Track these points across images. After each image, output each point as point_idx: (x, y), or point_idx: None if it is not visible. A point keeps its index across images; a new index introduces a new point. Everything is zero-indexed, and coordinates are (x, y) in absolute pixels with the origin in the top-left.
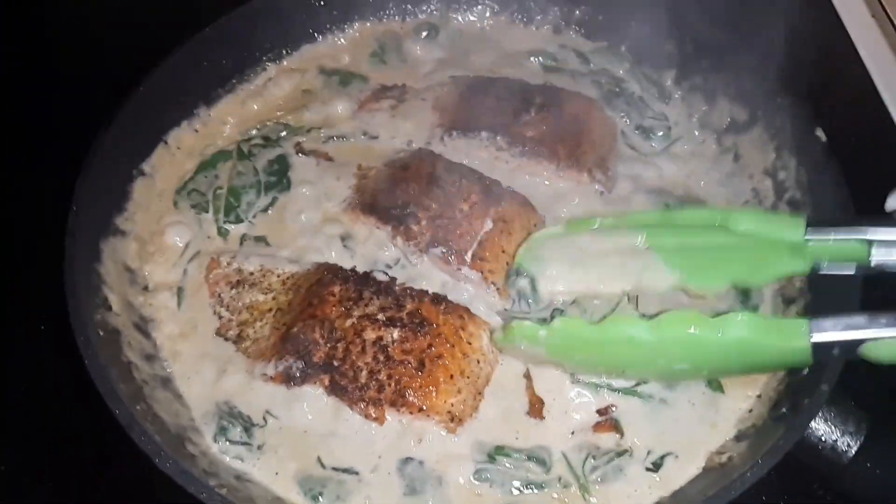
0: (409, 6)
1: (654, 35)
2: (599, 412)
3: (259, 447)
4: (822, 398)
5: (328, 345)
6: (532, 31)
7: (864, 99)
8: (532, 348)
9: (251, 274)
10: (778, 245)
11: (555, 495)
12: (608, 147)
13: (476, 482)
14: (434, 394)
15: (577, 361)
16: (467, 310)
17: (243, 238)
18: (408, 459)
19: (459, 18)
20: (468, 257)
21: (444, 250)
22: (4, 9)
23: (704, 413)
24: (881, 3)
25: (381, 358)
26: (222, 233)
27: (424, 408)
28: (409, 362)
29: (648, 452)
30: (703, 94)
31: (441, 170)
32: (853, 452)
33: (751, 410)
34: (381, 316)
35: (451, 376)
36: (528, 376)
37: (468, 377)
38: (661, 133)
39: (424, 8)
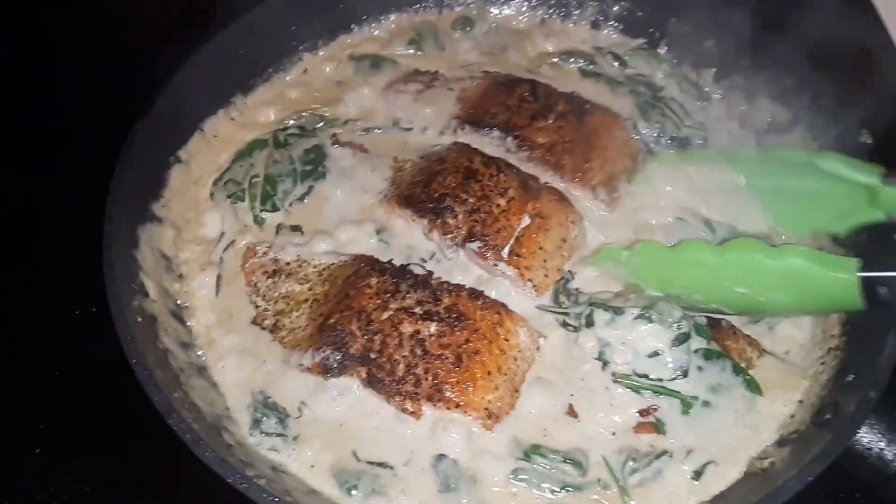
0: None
1: (694, 32)
2: (641, 413)
3: (294, 438)
4: (870, 406)
5: (365, 337)
6: (570, 27)
7: None
8: (615, 268)
9: (287, 264)
10: (858, 190)
11: (594, 497)
12: (622, 167)
13: (512, 481)
14: (471, 390)
15: (652, 281)
16: (504, 306)
17: (279, 227)
18: (442, 456)
19: (496, 12)
20: (505, 253)
21: (481, 245)
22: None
23: (746, 416)
24: None
25: (419, 352)
26: (258, 221)
27: (461, 403)
28: (447, 357)
29: (688, 454)
30: (743, 94)
31: (478, 163)
32: None
33: (793, 416)
34: (418, 309)
35: (489, 372)
36: None
37: (505, 374)
38: (698, 143)
39: (461, 1)
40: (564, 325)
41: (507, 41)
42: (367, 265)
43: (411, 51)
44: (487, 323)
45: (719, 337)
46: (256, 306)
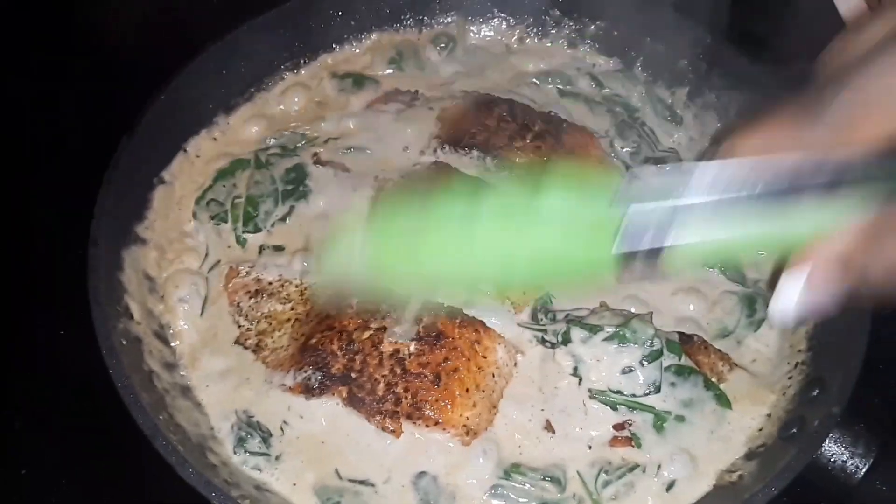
0: (426, 17)
1: (667, 52)
2: (616, 427)
3: (277, 458)
4: (834, 421)
5: (346, 356)
6: (547, 46)
7: None
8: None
9: (269, 284)
10: None
11: None
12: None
13: (491, 499)
14: (450, 407)
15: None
16: (482, 323)
17: (262, 248)
18: (422, 473)
19: (475, 30)
20: None
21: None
22: (26, 19)
23: (717, 430)
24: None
25: (398, 370)
26: (240, 241)
27: (440, 421)
28: (426, 375)
29: (659, 467)
30: (716, 112)
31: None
32: (863, 473)
33: (761, 429)
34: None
35: (467, 390)
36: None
37: (483, 391)
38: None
39: (441, 20)
40: (542, 341)
41: (486, 61)
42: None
43: (391, 70)
44: (466, 341)
45: (691, 352)
46: (239, 326)
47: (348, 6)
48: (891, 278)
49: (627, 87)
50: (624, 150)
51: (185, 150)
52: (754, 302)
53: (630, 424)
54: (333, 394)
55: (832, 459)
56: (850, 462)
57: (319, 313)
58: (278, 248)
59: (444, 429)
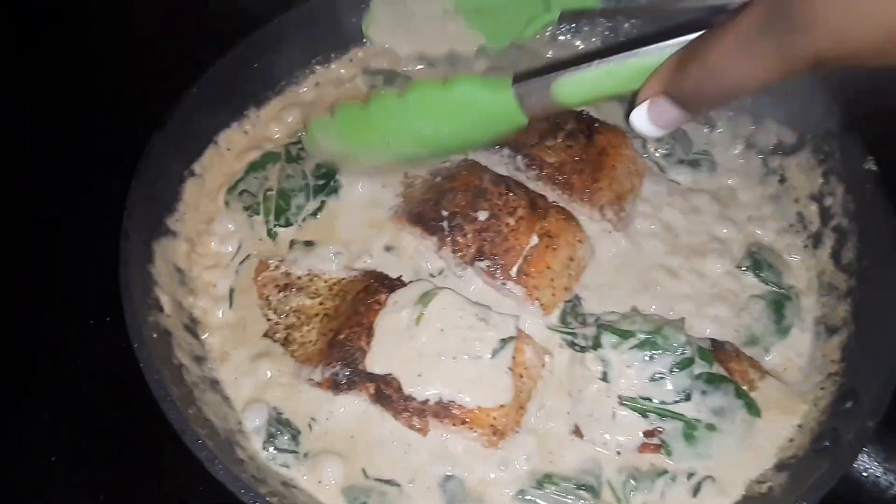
0: None
1: None
2: (646, 434)
3: (305, 455)
4: (868, 435)
5: None
6: (580, 44)
7: None
8: (328, 142)
9: (299, 278)
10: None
11: None
12: (629, 187)
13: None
14: (477, 407)
15: (359, 142)
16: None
17: (292, 242)
18: (449, 476)
19: None
20: (513, 272)
21: (490, 264)
22: (57, 10)
23: (747, 439)
24: None
25: None
26: (272, 235)
27: (468, 420)
28: None
29: (690, 475)
30: (750, 115)
31: (487, 182)
32: None
33: (792, 440)
34: None
35: None
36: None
37: None
38: (703, 167)
39: None
40: (572, 345)
41: (519, 56)
42: (376, 281)
43: (422, 65)
44: None
45: (723, 359)
46: (268, 319)
47: None
48: (700, 96)
49: None
50: (657, 151)
51: (216, 143)
52: (782, 307)
53: (660, 432)
54: (361, 390)
55: (865, 474)
56: (884, 477)
57: (349, 309)
58: (308, 244)
59: (470, 428)
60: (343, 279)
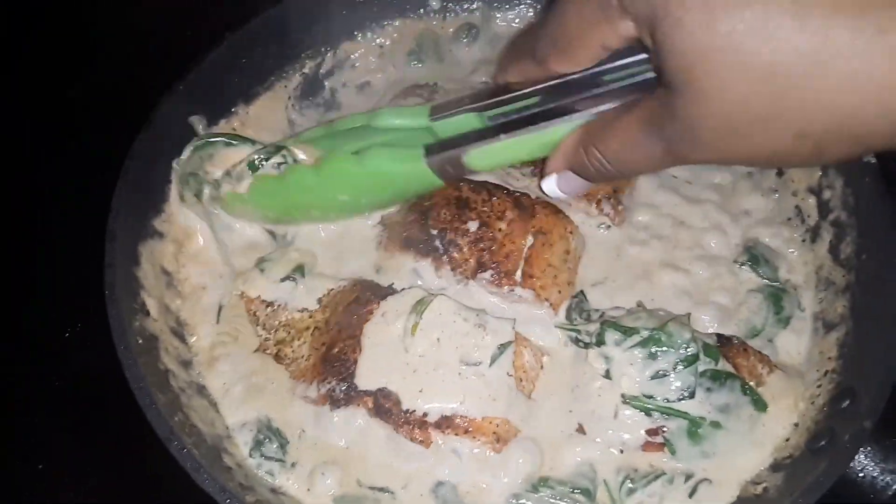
0: (451, 3)
1: None
2: (649, 432)
3: (292, 464)
4: (865, 436)
5: None
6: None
7: None
8: (243, 206)
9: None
10: (416, 132)
11: None
12: (625, 179)
13: None
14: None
15: (278, 208)
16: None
17: None
18: (441, 483)
19: (501, 17)
20: (518, 276)
21: (493, 274)
22: (44, 11)
23: (751, 435)
24: None
25: None
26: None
27: (471, 430)
28: None
29: (687, 478)
30: None
31: (467, 191)
32: (893, 490)
33: (788, 439)
34: None
35: None
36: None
37: None
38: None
39: (466, 6)
40: (576, 341)
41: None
42: (367, 290)
43: (411, 63)
44: None
45: (730, 355)
46: (258, 335)
47: None
48: (600, 173)
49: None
50: None
51: None
52: (780, 299)
53: (664, 430)
54: (359, 404)
55: (861, 474)
56: (881, 478)
57: (340, 320)
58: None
59: (474, 437)
60: (332, 290)
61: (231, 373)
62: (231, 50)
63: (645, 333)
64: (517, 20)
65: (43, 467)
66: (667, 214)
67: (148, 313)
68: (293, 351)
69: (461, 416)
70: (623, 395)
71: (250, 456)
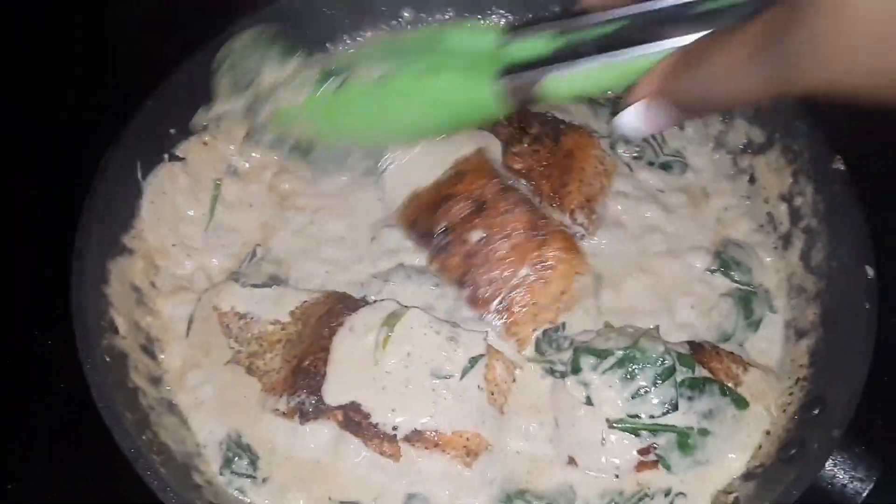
0: (423, 14)
1: None
2: (640, 452)
3: (263, 480)
4: (833, 444)
5: None
6: None
7: (887, 128)
8: (291, 128)
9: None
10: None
11: None
12: (598, 188)
13: None
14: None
15: (329, 131)
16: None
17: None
18: (412, 495)
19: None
20: (494, 305)
21: (471, 293)
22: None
23: (737, 435)
24: None
25: None
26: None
27: (440, 444)
28: None
29: (667, 494)
30: (719, 114)
31: (492, 191)
32: (863, 497)
33: (760, 447)
34: None
35: None
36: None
37: None
38: (675, 169)
39: (438, 17)
40: (552, 372)
41: None
42: (339, 303)
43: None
44: None
45: (704, 360)
46: (230, 348)
47: (340, 4)
48: (698, 101)
49: None
50: (626, 153)
51: (175, 156)
52: (750, 302)
53: (655, 447)
54: (329, 418)
55: (832, 482)
56: (850, 486)
57: (312, 333)
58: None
59: (444, 451)
60: (305, 301)
61: (202, 387)
62: (201, 62)
63: (619, 354)
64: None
65: (11, 487)
66: (638, 222)
67: (117, 331)
68: (265, 363)
69: (431, 430)
70: (608, 420)
71: (220, 473)
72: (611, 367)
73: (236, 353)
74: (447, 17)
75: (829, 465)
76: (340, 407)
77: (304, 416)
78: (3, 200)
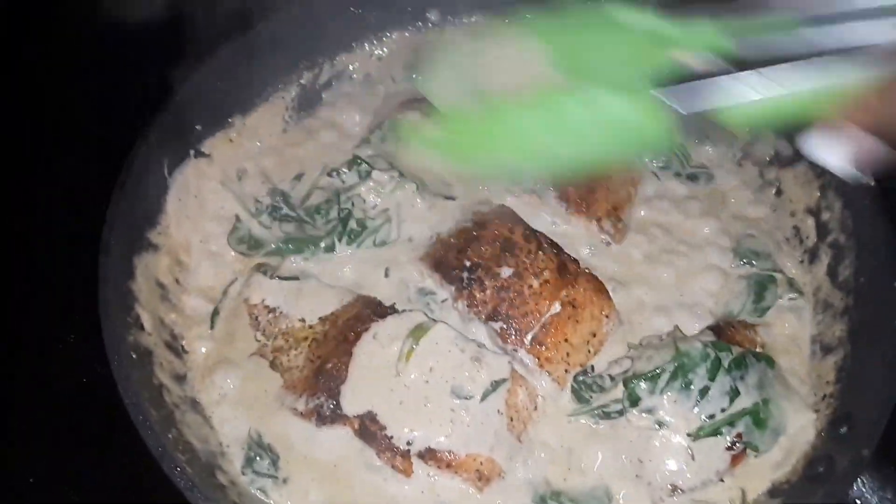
0: (450, 16)
1: None
2: (728, 448)
3: (284, 480)
4: (863, 464)
5: None
6: None
7: None
8: (424, 152)
9: None
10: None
11: None
12: (625, 196)
13: None
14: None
15: (469, 155)
16: None
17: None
18: None
19: None
20: (528, 339)
21: (504, 326)
22: (34, 18)
23: (790, 395)
24: None
25: None
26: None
27: (453, 465)
28: None
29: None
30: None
31: (518, 236)
32: None
33: (783, 463)
34: None
35: None
36: None
37: None
38: (701, 179)
39: (465, 19)
40: (606, 416)
41: None
42: (367, 308)
43: (410, 75)
44: None
45: (730, 338)
46: (257, 340)
47: (366, 3)
48: None
49: None
50: (653, 162)
51: (201, 152)
52: (764, 287)
53: (739, 437)
54: (345, 424)
55: (858, 502)
56: None
57: (338, 335)
58: None
59: (455, 472)
60: (335, 310)
61: (224, 379)
62: (227, 60)
63: (670, 367)
64: None
65: (34, 482)
66: (664, 230)
67: (142, 327)
68: (289, 360)
69: (445, 450)
70: (689, 434)
71: (243, 473)
72: (667, 384)
73: (262, 346)
74: (473, 19)
75: (857, 484)
76: (357, 416)
77: (321, 420)
78: (31, 195)
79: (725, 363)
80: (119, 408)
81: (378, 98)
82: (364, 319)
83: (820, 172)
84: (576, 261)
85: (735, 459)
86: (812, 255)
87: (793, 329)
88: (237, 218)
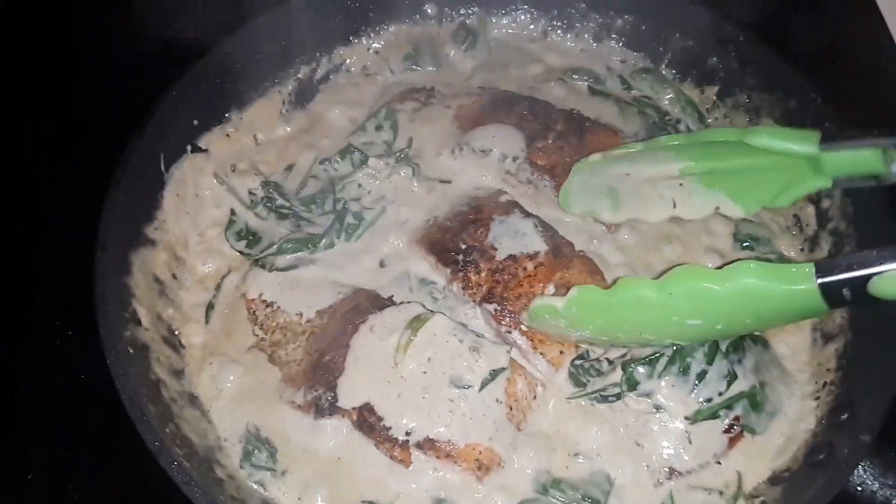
0: (447, 9)
1: (697, 48)
2: (726, 431)
3: (283, 473)
4: (864, 450)
5: None
6: (572, 40)
7: None
8: (554, 322)
9: None
10: (797, 160)
11: None
12: None
13: None
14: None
15: (597, 329)
16: None
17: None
18: (440, 500)
19: (497, 23)
20: (521, 321)
21: (498, 308)
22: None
23: (786, 377)
24: None
25: None
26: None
27: (452, 454)
28: None
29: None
30: (745, 112)
31: (514, 219)
32: None
33: (784, 450)
34: None
35: None
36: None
37: None
38: None
39: (462, 11)
40: (604, 399)
41: (508, 57)
42: (366, 300)
43: (406, 66)
44: None
45: None
46: (255, 335)
47: None
48: None
49: (656, 89)
50: None
51: (198, 147)
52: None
53: (737, 419)
54: (344, 416)
55: (860, 488)
56: (880, 493)
57: (336, 328)
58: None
59: (455, 462)
60: (333, 303)
61: (221, 374)
62: (224, 54)
63: (668, 351)
64: (514, 25)
65: (32, 477)
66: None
67: (139, 322)
68: (287, 354)
69: (444, 440)
70: (686, 418)
71: (241, 466)
72: (665, 368)
73: (260, 341)
74: (472, 11)
75: (858, 471)
76: (355, 407)
77: (320, 412)
78: (27, 192)
79: (723, 347)
80: (116, 403)
81: (375, 90)
82: (362, 312)
83: None
84: (570, 244)
85: (732, 441)
86: (812, 243)
87: None
88: (232, 211)
